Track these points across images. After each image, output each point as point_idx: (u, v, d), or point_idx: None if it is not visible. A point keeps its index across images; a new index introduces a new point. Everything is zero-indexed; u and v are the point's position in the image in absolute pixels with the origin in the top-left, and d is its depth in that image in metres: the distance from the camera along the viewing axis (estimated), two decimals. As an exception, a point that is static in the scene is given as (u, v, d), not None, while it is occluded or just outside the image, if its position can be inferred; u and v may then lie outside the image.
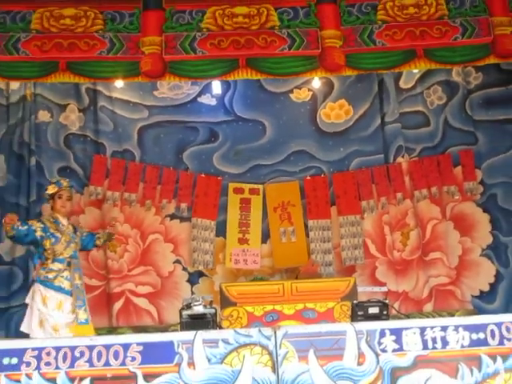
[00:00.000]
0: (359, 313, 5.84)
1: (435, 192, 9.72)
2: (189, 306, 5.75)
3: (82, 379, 4.41)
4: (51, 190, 7.11)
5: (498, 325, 4.53)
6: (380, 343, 4.48)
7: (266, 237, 9.79)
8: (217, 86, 9.70)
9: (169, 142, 9.91)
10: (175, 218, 9.74)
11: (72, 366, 4.43)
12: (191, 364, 4.42)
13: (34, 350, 4.47)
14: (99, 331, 7.56)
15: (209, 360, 4.43)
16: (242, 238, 9.73)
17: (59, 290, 6.76)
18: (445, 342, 4.49)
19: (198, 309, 5.71)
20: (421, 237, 9.66)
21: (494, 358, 4.45)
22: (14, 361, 4.44)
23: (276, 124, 10.00)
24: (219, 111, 10.02)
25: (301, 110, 10.09)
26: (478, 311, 9.24)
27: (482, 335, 4.50)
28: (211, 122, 10.00)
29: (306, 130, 10.03)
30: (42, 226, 6.92)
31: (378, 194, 9.73)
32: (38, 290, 6.75)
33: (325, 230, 9.69)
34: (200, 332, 4.53)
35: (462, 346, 4.48)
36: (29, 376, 4.41)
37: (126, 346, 4.46)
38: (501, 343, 4.48)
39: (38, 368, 4.43)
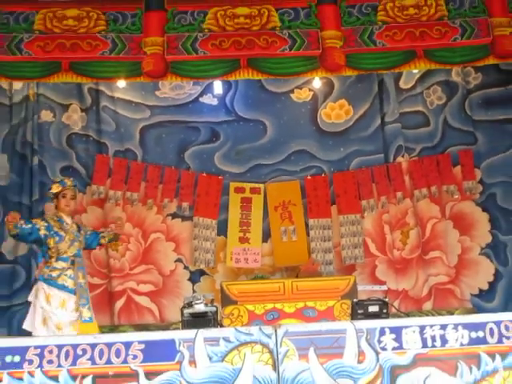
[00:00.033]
0: (359, 311, 5.83)
1: (435, 191, 9.74)
2: (190, 305, 5.74)
3: (83, 377, 4.45)
4: (55, 189, 7.08)
5: (497, 323, 4.57)
6: (380, 341, 4.52)
7: (266, 236, 9.81)
8: (218, 86, 9.72)
9: (170, 141, 9.94)
10: (177, 217, 9.77)
11: (74, 363, 4.47)
12: (192, 362, 4.45)
13: (36, 348, 4.51)
14: (101, 329, 7.59)
15: (210, 358, 4.46)
16: (243, 236, 9.74)
17: (63, 288, 6.75)
18: (444, 341, 4.53)
19: (200, 307, 5.70)
20: (420, 236, 9.69)
21: (492, 356, 4.49)
22: (17, 359, 4.48)
23: (277, 124, 10.03)
24: (220, 111, 10.05)
25: (301, 110, 10.12)
26: (477, 310, 9.27)
27: (481, 333, 4.54)
28: (212, 121, 10.02)
29: (307, 130, 10.05)
30: (45, 224, 6.91)
31: (378, 194, 9.75)
32: (41, 288, 6.74)
33: (325, 228, 9.72)
34: (201, 330, 4.56)
35: (462, 345, 4.52)
36: (31, 374, 4.45)
37: (127, 344, 4.50)
38: (500, 341, 4.53)
39: (40, 366, 4.47)
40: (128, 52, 7.86)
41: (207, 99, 10.04)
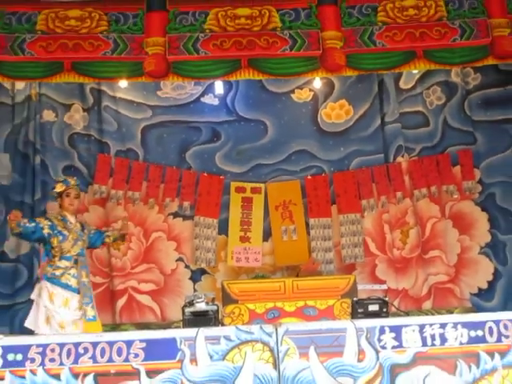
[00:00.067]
0: (359, 310, 5.82)
1: (434, 191, 9.77)
2: (191, 303, 5.73)
3: (85, 375, 4.45)
4: (59, 188, 7.07)
5: (496, 322, 4.58)
6: (380, 340, 4.52)
7: (267, 235, 9.83)
8: (219, 87, 9.73)
9: (172, 141, 9.96)
10: (178, 217, 9.80)
11: (76, 362, 4.47)
12: (193, 360, 4.46)
13: (38, 346, 4.51)
14: (103, 328, 7.62)
15: (211, 356, 4.47)
16: (244, 236, 9.76)
17: (66, 287, 6.75)
18: (443, 339, 4.54)
19: (201, 306, 5.69)
20: (420, 235, 9.71)
21: (492, 354, 4.50)
22: (19, 357, 4.48)
23: (277, 124, 10.05)
24: (221, 111, 10.07)
25: (302, 110, 10.14)
26: (477, 309, 9.27)
27: (480, 332, 4.54)
28: (214, 121, 10.05)
29: (307, 130, 10.07)
30: (49, 223, 6.90)
31: (378, 193, 9.77)
32: (44, 287, 6.74)
33: (325, 228, 9.74)
34: (202, 329, 4.57)
35: (461, 343, 4.53)
36: (33, 372, 4.46)
37: (129, 343, 4.50)
38: (499, 340, 4.53)
39: (42, 364, 4.47)
40: (130, 52, 7.87)
41: (208, 99, 10.06)
